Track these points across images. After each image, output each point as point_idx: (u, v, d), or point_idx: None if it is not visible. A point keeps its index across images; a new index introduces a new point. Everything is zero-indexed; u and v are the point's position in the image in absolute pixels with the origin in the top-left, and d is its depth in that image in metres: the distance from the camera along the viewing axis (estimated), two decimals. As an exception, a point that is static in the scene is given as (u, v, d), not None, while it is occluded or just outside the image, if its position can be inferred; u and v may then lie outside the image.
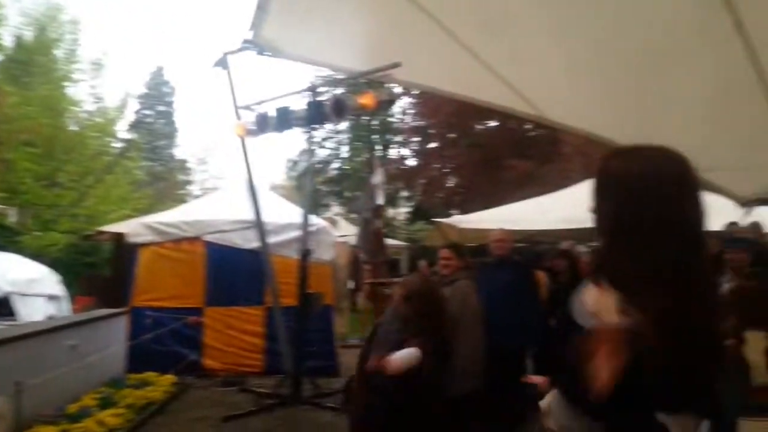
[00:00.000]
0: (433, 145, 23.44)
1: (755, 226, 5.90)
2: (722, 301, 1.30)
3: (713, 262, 4.78)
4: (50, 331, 5.10)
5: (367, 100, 5.50)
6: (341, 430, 5.30)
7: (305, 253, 6.06)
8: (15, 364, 4.43)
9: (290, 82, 30.41)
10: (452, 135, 21.50)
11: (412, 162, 26.11)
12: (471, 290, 4.16)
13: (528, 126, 17.97)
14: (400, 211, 33.37)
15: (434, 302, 3.31)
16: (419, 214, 27.25)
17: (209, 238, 7.47)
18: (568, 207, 9.27)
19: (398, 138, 29.29)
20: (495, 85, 4.70)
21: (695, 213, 1.41)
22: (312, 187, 6.66)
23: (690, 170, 1.49)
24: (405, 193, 29.55)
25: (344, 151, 31.80)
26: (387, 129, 29.64)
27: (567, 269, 5.98)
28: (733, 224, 5.74)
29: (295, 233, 7.56)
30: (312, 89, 6.09)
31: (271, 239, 7.03)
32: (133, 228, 8.10)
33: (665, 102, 4.53)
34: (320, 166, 31.59)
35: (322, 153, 30.60)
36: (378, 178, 6.51)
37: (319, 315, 6.86)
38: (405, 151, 29.02)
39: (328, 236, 7.55)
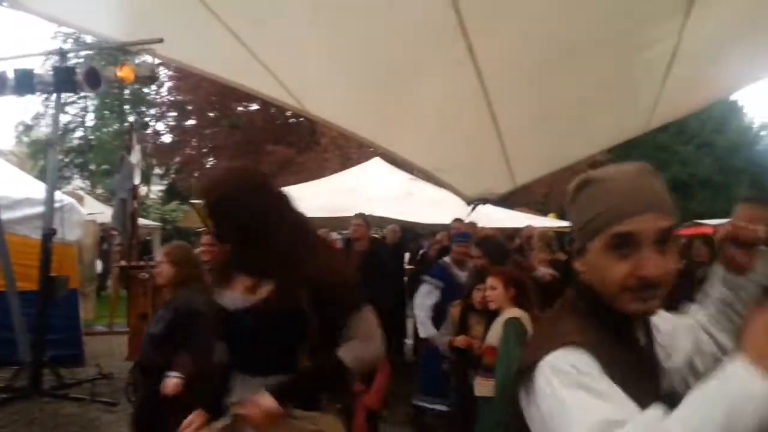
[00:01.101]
0: (191, 122, 22.58)
1: (472, 225, 6.93)
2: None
3: (441, 252, 5.63)
4: None
5: (125, 73, 5.26)
6: (86, 421, 5.08)
7: (49, 233, 5.57)
8: None
9: (28, 41, 26.51)
10: (211, 114, 20.97)
11: (167, 138, 24.75)
12: None
13: (288, 113, 18.39)
14: (153, 190, 31.45)
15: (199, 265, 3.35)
16: (174, 193, 26.04)
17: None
18: (324, 196, 9.87)
19: (153, 111, 27.56)
20: (259, 73, 4.86)
21: (287, 211, 1.93)
22: (56, 160, 6.06)
23: (269, 183, 1.99)
24: (159, 171, 27.97)
25: (90, 120, 28.70)
26: (140, 100, 27.61)
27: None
28: (457, 220, 6.69)
29: (34, 210, 6.86)
30: (61, 53, 5.59)
31: (5, 215, 6.26)
32: None
33: (408, 108, 5.18)
34: (60, 134, 28.22)
35: (62, 119, 27.28)
36: (136, 156, 6.22)
37: (63, 300, 6.32)
38: (160, 126, 27.43)
39: (75, 214, 6.96)
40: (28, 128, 29.45)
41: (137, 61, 5.53)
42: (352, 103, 5.46)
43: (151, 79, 5.29)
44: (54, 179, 5.94)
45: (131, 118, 30.62)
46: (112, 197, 6.05)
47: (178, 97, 22.18)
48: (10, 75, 5.29)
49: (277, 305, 1.81)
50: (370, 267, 5.58)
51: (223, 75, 5.62)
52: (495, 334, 3.22)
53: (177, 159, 22.22)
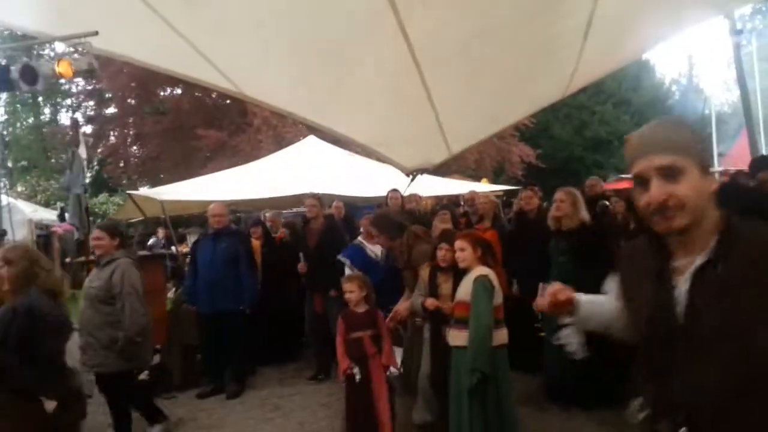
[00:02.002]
0: (111, 111, 21.75)
1: (416, 196, 7.22)
2: None
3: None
4: None
5: (63, 68, 5.17)
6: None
7: (1, 234, 5.49)
8: None
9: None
10: (132, 101, 20.26)
11: (87, 129, 23.72)
12: (129, 266, 4.32)
13: (215, 95, 18.02)
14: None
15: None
16: (100, 185, 25.14)
17: None
18: (263, 177, 9.93)
19: (68, 102, 26.39)
20: (195, 59, 4.91)
21: None
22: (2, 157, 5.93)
23: None
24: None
25: (1, 115, 27.15)
26: (54, 91, 26.31)
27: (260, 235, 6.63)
28: (394, 191, 6.95)
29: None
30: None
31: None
32: None
33: (343, 86, 5.34)
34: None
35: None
36: (83, 150, 6.15)
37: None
38: (78, 117, 26.25)
39: (19, 214, 6.85)
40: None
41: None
42: (288, 85, 5.57)
43: (91, 72, 5.20)
44: (5, 180, 5.84)
45: (46, 110, 29.26)
46: (65, 192, 5.91)
47: (97, 86, 21.29)
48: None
49: None
50: (328, 244, 5.82)
51: (159, 65, 5.58)
52: (465, 290, 3.58)
53: (99, 150, 21.37)
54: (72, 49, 5.42)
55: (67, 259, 11.63)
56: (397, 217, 4.99)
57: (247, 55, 5.04)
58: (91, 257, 5.68)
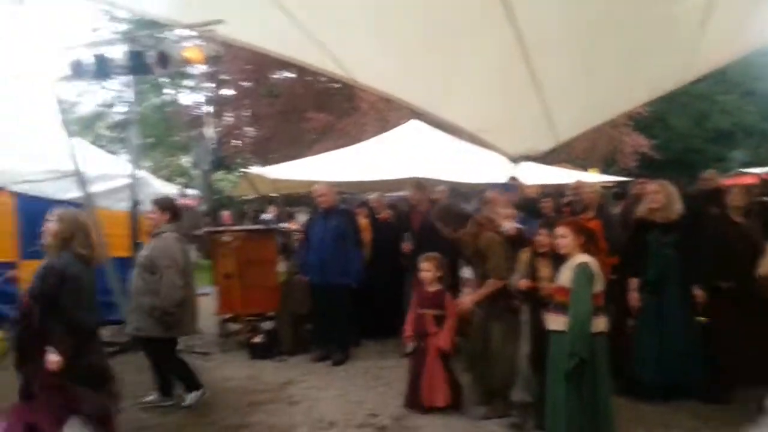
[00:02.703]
0: (227, 92, 22.97)
1: (518, 184, 7.22)
2: None
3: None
4: None
5: (193, 54, 5.65)
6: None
7: (136, 204, 6.15)
8: None
9: (74, 28, 27.14)
10: (248, 84, 21.30)
11: (205, 109, 25.14)
12: (173, 240, 4.59)
13: (324, 79, 18.63)
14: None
15: None
16: (215, 163, 26.69)
17: (17, 188, 6.99)
18: (365, 159, 10.24)
19: (189, 83, 28.06)
20: (310, 47, 5.23)
21: None
22: (137, 138, 6.59)
23: None
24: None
25: (129, 95, 29.13)
26: (177, 73, 28.04)
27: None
28: (512, 179, 6.98)
29: (111, 184, 7.48)
30: (131, 38, 6.06)
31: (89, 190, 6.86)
32: None
33: (451, 73, 5.48)
34: (102, 110, 29.10)
35: (104, 96, 28.00)
36: (210, 130, 6.70)
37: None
38: (198, 98, 27.93)
39: (149, 187, 7.54)
40: (72, 106, 30.46)
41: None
42: (398, 71, 5.78)
43: (216, 58, 5.67)
44: (136, 156, 6.50)
45: (169, 91, 31.35)
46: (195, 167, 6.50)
47: (214, 69, 22.50)
48: (88, 61, 5.75)
49: None
50: (431, 227, 5.99)
51: (278, 51, 5.99)
52: (565, 276, 3.65)
53: (216, 129, 22.66)
54: (193, 34, 5.92)
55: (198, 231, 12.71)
56: (459, 209, 5.08)
57: (361, 43, 5.30)
58: (218, 228, 6.27)
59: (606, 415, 3.65)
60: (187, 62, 5.77)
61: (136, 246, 6.14)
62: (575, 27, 4.31)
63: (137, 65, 5.68)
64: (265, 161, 20.12)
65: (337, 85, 18.48)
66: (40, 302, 3.20)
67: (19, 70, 8.11)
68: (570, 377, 3.51)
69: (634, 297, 4.64)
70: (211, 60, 5.62)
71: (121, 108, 29.37)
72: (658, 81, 5.46)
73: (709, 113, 23.15)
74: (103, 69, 5.73)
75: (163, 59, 5.68)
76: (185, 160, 30.63)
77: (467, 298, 4.50)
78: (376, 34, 5.05)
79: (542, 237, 3.97)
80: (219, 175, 26.62)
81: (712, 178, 6.79)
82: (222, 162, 25.59)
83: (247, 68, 20.10)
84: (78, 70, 5.76)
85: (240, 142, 22.05)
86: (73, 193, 7.28)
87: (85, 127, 27.39)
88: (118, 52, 5.84)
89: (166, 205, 4.87)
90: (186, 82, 28.78)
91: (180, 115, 24.66)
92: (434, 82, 5.79)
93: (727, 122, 22.85)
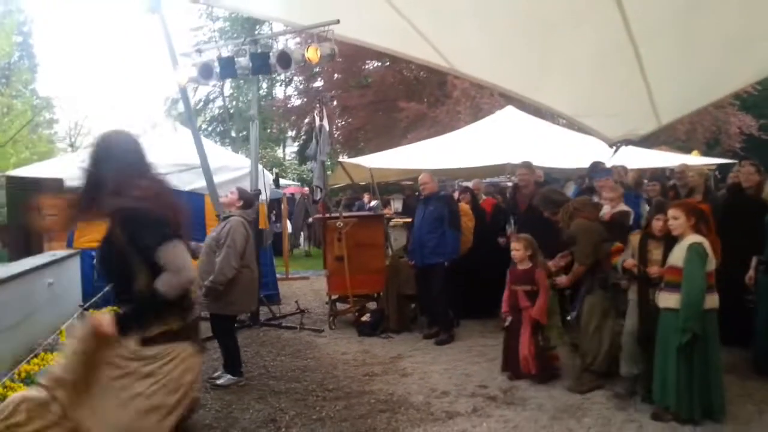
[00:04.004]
0: (318, 84, 23.67)
1: (622, 168, 7.20)
2: None
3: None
4: (32, 270, 5.47)
5: (311, 54, 6.06)
6: (304, 343, 6.23)
7: (257, 193, 6.70)
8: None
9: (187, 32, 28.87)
10: (338, 75, 21.88)
11: (297, 102, 26.08)
12: (238, 224, 4.94)
13: (414, 67, 18.86)
14: (287, 151, 33.53)
15: None
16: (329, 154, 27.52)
17: (147, 181, 7.76)
18: (460, 146, 10.39)
19: (282, 77, 29.10)
20: (415, 41, 5.47)
21: None
22: (258, 132, 7.14)
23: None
24: (291, 134, 29.76)
25: (228, 89, 30.70)
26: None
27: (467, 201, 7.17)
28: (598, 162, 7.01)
29: (230, 175, 8.13)
30: (254, 40, 6.58)
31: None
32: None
33: (552, 58, 5.54)
34: (201, 104, 30.82)
35: (203, 90, 29.60)
36: (326, 122, 7.15)
37: (262, 250, 7.55)
38: (289, 90, 28.99)
39: (265, 178, 8.15)
40: (173, 102, 32.42)
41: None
42: (497, 59, 5.91)
43: (331, 57, 6.05)
44: (256, 149, 7.05)
45: (264, 85, 32.65)
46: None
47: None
48: (215, 62, 6.31)
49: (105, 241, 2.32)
50: (536, 209, 6.17)
51: (387, 46, 6.30)
52: (678, 255, 3.80)
53: (307, 120, 23.45)
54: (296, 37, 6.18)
55: (309, 219, 13.59)
56: (555, 196, 5.41)
57: (462, 34, 5.50)
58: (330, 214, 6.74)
59: (716, 389, 3.78)
60: (308, 62, 6.15)
61: (259, 233, 6.70)
62: (680, 8, 4.33)
63: (260, 66, 6.16)
64: (356, 151, 20.71)
65: (427, 74, 18.69)
66: None
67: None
68: (682, 352, 3.66)
69: (750, 276, 4.75)
70: (326, 58, 6.01)
71: (219, 103, 31.20)
72: (765, 62, 5.32)
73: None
74: (228, 70, 6.25)
75: (285, 60, 6.12)
76: (279, 152, 31.95)
77: (563, 279, 4.88)
78: (478, 21, 5.22)
79: (659, 222, 4.07)
80: (310, 164, 27.48)
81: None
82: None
83: (338, 60, 20.67)
84: (205, 72, 6.32)
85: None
86: (195, 184, 8.01)
87: (185, 122, 29.03)
88: (225, 52, 6.40)
89: (244, 194, 5.33)
90: (280, 77, 29.94)
91: (272, 108, 25.66)
92: (534, 67, 5.87)
93: None
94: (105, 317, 2.20)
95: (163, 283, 2.22)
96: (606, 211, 5.14)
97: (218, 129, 31.83)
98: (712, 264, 3.74)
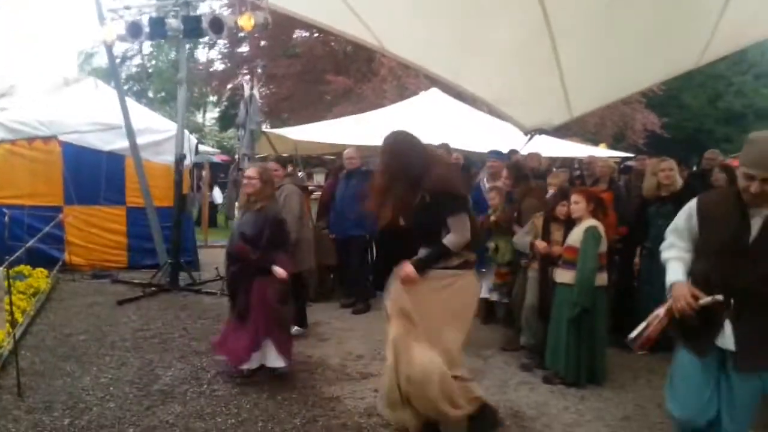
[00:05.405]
0: (243, 50, 23.03)
1: (536, 155, 7.67)
2: None
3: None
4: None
5: (244, 21, 6.07)
6: (224, 309, 6.27)
7: (181, 158, 6.67)
8: None
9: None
10: (265, 42, 21.38)
11: (220, 66, 25.22)
12: (292, 192, 5.30)
13: (343, 41, 18.76)
14: (208, 117, 32.64)
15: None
16: (227, 121, 26.91)
17: (65, 138, 7.53)
18: (385, 124, 10.61)
19: (205, 39, 28.09)
20: (348, 18, 5.63)
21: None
22: (186, 95, 7.05)
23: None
24: (212, 99, 28.92)
25: (146, 48, 29.18)
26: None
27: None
28: (513, 151, 7.48)
29: (153, 137, 8.00)
30: (186, 2, 6.48)
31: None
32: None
33: (477, 46, 5.85)
34: (118, 62, 29.26)
35: (120, 48, 28.08)
36: (257, 90, 7.13)
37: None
38: (212, 54, 28.04)
39: (191, 142, 8.07)
40: (89, 56, 30.71)
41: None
42: (425, 42, 6.16)
43: (265, 26, 6.07)
44: (184, 113, 6.99)
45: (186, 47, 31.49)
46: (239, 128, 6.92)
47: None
48: (145, 23, 6.20)
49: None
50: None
51: (320, 20, 6.39)
52: (576, 237, 4.22)
53: (230, 86, 22.86)
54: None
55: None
56: (526, 170, 5.83)
57: (395, 15, 5.70)
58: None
59: (600, 358, 4.29)
60: (240, 29, 6.14)
61: (182, 197, 6.70)
62: (598, 7, 4.70)
63: (192, 29, 6.11)
64: (281, 121, 20.46)
65: (355, 49, 18.66)
66: (265, 242, 4.12)
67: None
68: (573, 323, 4.12)
69: (636, 262, 5.25)
70: (260, 27, 6.04)
71: (136, 61, 29.77)
72: (675, 61, 5.69)
73: (723, 94, 23.29)
74: (158, 31, 6.16)
75: (217, 25, 6.10)
76: (200, 118, 31.06)
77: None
78: (411, 8, 5.43)
79: (564, 208, 4.46)
80: (230, 132, 26.87)
81: (715, 158, 7.23)
82: (232, 120, 25.86)
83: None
84: (134, 31, 6.20)
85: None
86: (115, 144, 7.84)
87: (101, 78, 27.63)
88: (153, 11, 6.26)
89: (284, 164, 5.66)
90: (204, 39, 28.89)
91: (194, 71, 24.80)
92: (458, 53, 6.15)
93: (740, 104, 23.02)
94: (407, 266, 3.08)
95: (450, 241, 3.09)
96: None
97: (134, 88, 30.35)
98: (604, 246, 4.21)
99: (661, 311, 2.49)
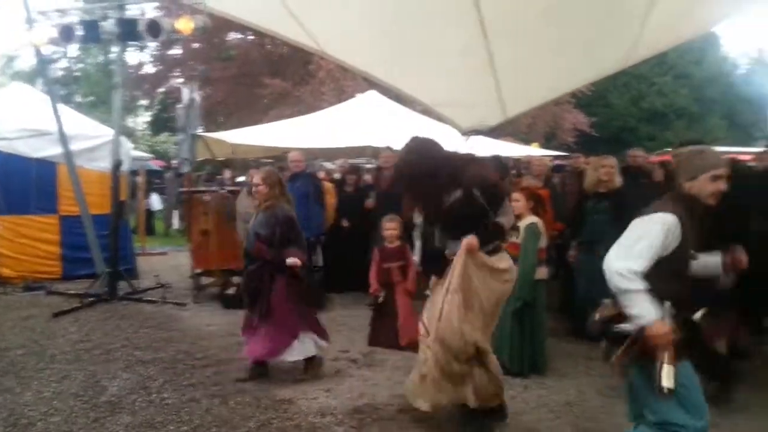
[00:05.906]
0: (175, 52, 22.45)
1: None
2: None
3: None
4: None
5: (183, 25, 5.98)
6: (166, 317, 6.22)
7: (117, 164, 6.49)
8: None
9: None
10: (198, 45, 20.95)
11: (150, 69, 24.48)
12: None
13: (279, 43, 18.58)
14: (138, 121, 31.61)
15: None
16: (160, 125, 26.19)
17: (-7, 145, 7.20)
18: (324, 127, 10.62)
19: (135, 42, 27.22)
20: (286, 20, 5.66)
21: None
22: (121, 100, 6.86)
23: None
24: (144, 102, 28.07)
25: (73, 51, 28.04)
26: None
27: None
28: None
29: (86, 143, 7.75)
30: (120, 5, 6.32)
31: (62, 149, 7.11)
32: None
33: (414, 49, 6.00)
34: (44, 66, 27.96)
35: (45, 51, 26.81)
36: (196, 94, 7.01)
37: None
38: (143, 57, 27.20)
39: (126, 147, 7.85)
40: (10, 59, 29.27)
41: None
42: (364, 45, 6.26)
43: (204, 29, 6.01)
44: (120, 118, 6.80)
45: (114, 49, 30.48)
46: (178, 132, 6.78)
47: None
48: (78, 26, 6.01)
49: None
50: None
51: (257, 23, 6.37)
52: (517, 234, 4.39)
53: (162, 89, 22.28)
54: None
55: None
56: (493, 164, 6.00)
57: (333, 18, 5.76)
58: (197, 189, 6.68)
59: (541, 348, 4.51)
60: (178, 32, 6.04)
61: (119, 204, 6.52)
62: (531, 14, 4.92)
63: (128, 32, 5.96)
64: (216, 125, 20.09)
65: (290, 52, 18.52)
66: (278, 242, 4.30)
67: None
68: (515, 316, 4.30)
69: (572, 255, 5.47)
70: (198, 31, 5.96)
71: (62, 64, 28.57)
72: (602, 64, 5.99)
73: (646, 94, 24.46)
74: (92, 34, 5.98)
75: (155, 28, 5.97)
76: (131, 122, 30.06)
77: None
78: (349, 11, 5.50)
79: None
80: (162, 137, 26.17)
81: (638, 156, 7.64)
82: (164, 124, 25.18)
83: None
84: (66, 35, 6.00)
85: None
86: (46, 151, 7.56)
87: (25, 82, 26.42)
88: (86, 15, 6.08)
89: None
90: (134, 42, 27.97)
91: (126, 75, 23.98)
92: (398, 57, 6.29)
93: (661, 103, 24.24)
94: (472, 238, 3.32)
95: (504, 221, 3.50)
96: None
97: (61, 92, 29.05)
98: (544, 241, 4.42)
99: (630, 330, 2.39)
